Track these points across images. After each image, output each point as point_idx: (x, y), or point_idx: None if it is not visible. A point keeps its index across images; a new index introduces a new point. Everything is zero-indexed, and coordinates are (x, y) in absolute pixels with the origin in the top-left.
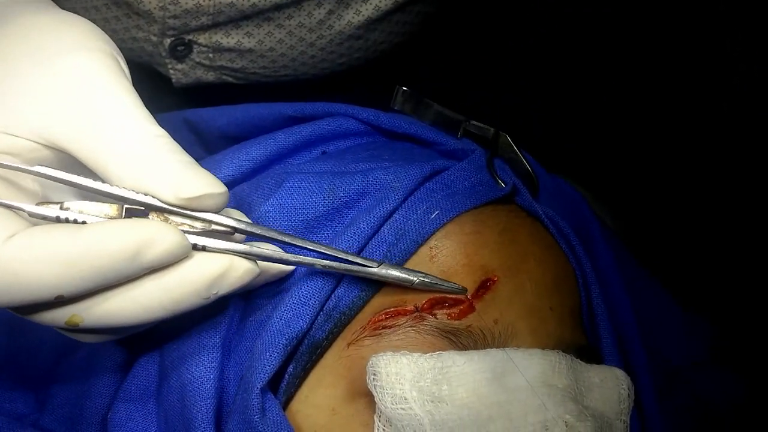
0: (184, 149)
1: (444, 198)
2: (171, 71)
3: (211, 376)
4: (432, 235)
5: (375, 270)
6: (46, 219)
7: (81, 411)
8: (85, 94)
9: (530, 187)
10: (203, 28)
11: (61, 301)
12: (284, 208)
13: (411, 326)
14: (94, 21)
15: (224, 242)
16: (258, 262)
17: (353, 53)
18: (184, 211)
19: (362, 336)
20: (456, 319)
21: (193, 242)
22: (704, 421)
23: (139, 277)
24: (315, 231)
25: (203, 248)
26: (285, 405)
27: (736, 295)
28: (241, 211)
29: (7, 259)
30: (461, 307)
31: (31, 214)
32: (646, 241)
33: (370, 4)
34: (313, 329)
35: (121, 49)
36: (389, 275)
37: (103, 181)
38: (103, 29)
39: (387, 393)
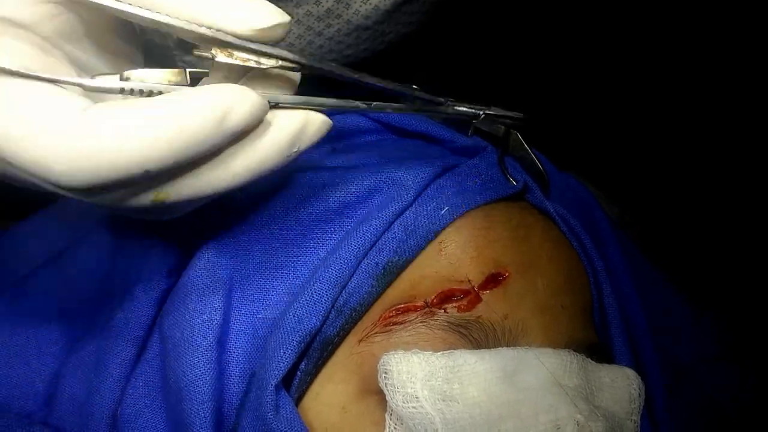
0: None
1: (454, 194)
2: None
3: (207, 378)
4: (442, 230)
5: (442, 108)
6: (106, 92)
7: (90, 408)
8: None
9: (541, 185)
10: None
11: (148, 177)
12: (295, 198)
13: (421, 322)
14: None
15: (294, 97)
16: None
17: (360, 44)
18: (253, 46)
19: (373, 332)
20: (465, 311)
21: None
22: (714, 419)
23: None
24: (324, 226)
25: (276, 105)
26: (297, 402)
27: (745, 293)
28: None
29: (90, 134)
30: (469, 297)
31: (89, 89)
32: (655, 238)
33: None
34: (325, 326)
35: None
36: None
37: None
38: None
39: (398, 391)
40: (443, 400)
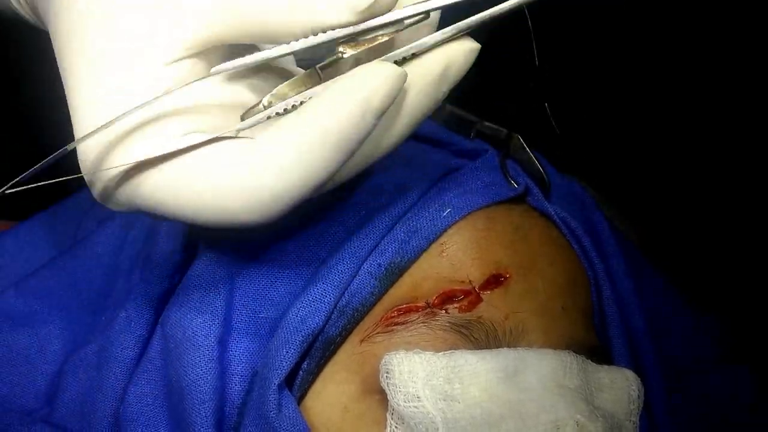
0: None
1: (456, 196)
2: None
3: (209, 377)
4: (444, 231)
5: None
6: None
7: (92, 406)
8: None
9: (542, 188)
10: None
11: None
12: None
13: (423, 322)
14: None
15: (427, 37)
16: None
17: None
18: (369, 25)
19: (375, 332)
20: (466, 311)
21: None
22: (713, 420)
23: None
24: (326, 226)
25: (412, 56)
26: (299, 401)
27: (745, 294)
28: None
29: (255, 178)
30: (470, 298)
31: (244, 130)
32: (655, 240)
33: None
34: (327, 326)
35: None
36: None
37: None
38: None
39: (400, 391)
40: (444, 400)
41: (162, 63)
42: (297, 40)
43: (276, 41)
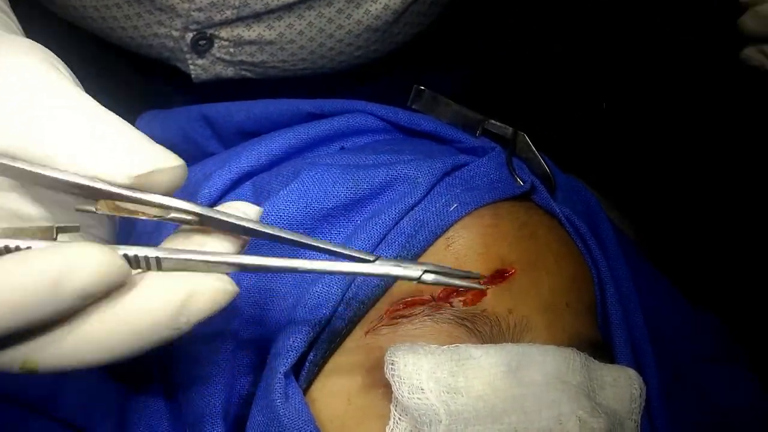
0: (200, 144)
1: (463, 192)
2: (191, 66)
3: (219, 370)
4: (450, 226)
5: (373, 268)
6: None
7: (98, 398)
8: (21, 91)
9: (547, 187)
10: (226, 22)
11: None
12: (305, 195)
13: (428, 315)
14: (114, 18)
15: (187, 253)
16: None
17: (370, 45)
18: (136, 195)
19: (380, 325)
20: (471, 305)
21: (143, 254)
22: (713, 420)
23: (84, 311)
24: (333, 221)
25: (158, 264)
26: (304, 392)
27: (744, 294)
28: (258, 198)
29: None
30: (474, 291)
31: None
32: (655, 240)
33: None
34: (334, 317)
35: (141, 46)
36: (390, 273)
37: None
38: (123, 26)
39: (404, 383)
40: (448, 393)
41: None
42: (68, 173)
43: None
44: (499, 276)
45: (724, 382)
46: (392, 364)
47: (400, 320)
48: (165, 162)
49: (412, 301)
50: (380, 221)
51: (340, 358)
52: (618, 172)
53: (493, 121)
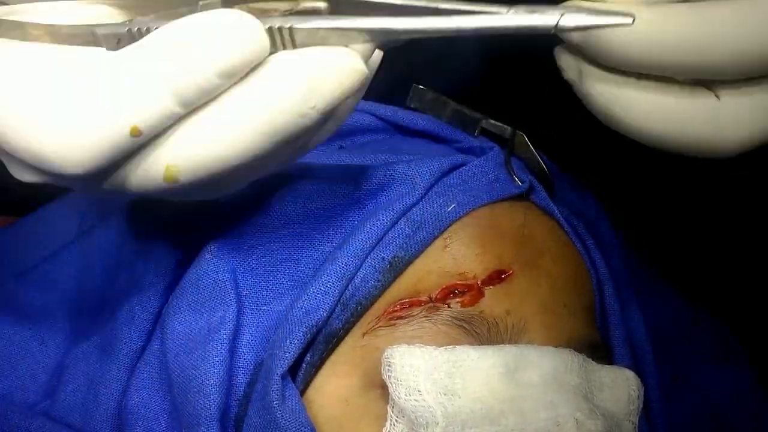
0: None
1: (461, 192)
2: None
3: (216, 370)
4: (448, 227)
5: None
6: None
7: (95, 398)
8: None
9: (546, 187)
10: None
11: (139, 136)
12: (302, 191)
13: (425, 316)
14: None
15: (318, 20)
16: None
17: None
18: None
19: (377, 326)
20: (468, 306)
21: (277, 26)
22: (712, 420)
23: (222, 95)
24: (330, 220)
25: (291, 36)
26: (301, 394)
27: (744, 294)
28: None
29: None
30: (472, 292)
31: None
32: (653, 239)
33: None
34: (331, 318)
35: None
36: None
37: None
38: None
39: (401, 384)
40: (445, 394)
41: None
42: None
43: None
44: (497, 277)
45: (724, 382)
46: (389, 365)
47: (397, 321)
48: None
49: (410, 302)
50: (378, 221)
51: (338, 360)
52: (617, 172)
53: (491, 121)
